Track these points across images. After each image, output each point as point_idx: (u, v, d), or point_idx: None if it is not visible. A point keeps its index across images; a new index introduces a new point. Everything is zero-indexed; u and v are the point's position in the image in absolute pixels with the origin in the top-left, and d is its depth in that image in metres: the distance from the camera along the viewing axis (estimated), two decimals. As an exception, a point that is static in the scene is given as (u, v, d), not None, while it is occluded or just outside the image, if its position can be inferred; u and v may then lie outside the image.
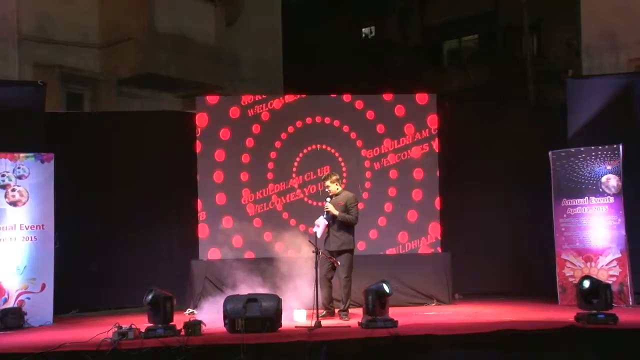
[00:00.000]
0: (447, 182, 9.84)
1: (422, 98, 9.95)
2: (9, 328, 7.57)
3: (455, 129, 10.05)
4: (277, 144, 9.73)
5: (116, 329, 6.33)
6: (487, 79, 19.81)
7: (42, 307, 8.13)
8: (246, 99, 9.86)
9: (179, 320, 6.84)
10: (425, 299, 9.39)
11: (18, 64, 13.58)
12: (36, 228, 8.25)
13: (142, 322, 6.66)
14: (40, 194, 8.30)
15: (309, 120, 9.79)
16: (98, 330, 6.44)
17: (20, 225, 8.20)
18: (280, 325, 6.96)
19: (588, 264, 8.91)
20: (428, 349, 6.16)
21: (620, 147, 8.84)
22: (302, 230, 9.09)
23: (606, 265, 8.81)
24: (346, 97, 9.92)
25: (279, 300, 7.03)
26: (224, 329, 6.84)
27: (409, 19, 22.29)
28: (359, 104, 9.86)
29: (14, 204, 8.21)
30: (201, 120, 9.70)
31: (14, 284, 8.09)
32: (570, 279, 8.92)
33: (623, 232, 8.78)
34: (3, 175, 8.18)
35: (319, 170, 9.60)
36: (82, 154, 9.52)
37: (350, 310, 8.12)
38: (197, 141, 9.64)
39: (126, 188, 9.74)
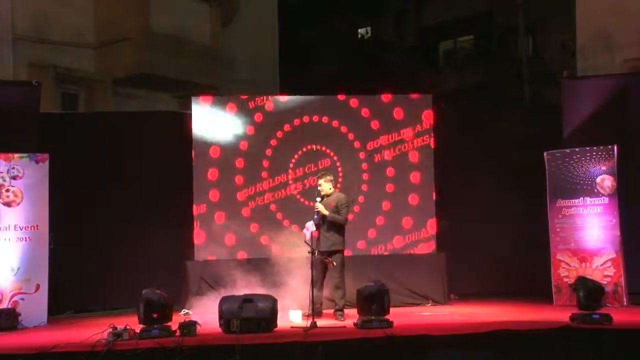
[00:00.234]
0: (443, 183, 9.85)
1: (417, 98, 9.97)
2: (2, 329, 7.54)
3: (450, 129, 10.06)
4: (273, 143, 9.73)
5: (111, 329, 6.31)
6: (483, 80, 19.84)
7: (36, 308, 8.10)
8: (242, 99, 9.86)
9: (174, 320, 6.83)
10: (420, 299, 9.40)
11: (13, 63, 13.55)
12: (30, 229, 8.23)
13: (137, 323, 6.64)
14: (34, 194, 8.28)
15: (305, 119, 9.78)
16: (92, 331, 6.41)
17: (15, 225, 8.17)
18: (276, 326, 6.95)
19: (583, 264, 8.93)
20: (423, 349, 6.15)
21: (615, 147, 8.86)
22: (296, 231, 9.07)
23: (601, 265, 8.83)
24: (341, 97, 9.92)
25: (274, 301, 7.02)
26: (220, 330, 6.83)
27: (405, 19, 22.31)
28: (354, 104, 9.87)
29: (8, 204, 8.19)
30: (197, 120, 9.69)
31: (7, 284, 8.06)
32: (566, 279, 8.93)
33: (618, 232, 8.80)
34: (-3, 176, 8.16)
35: (315, 170, 9.59)
36: (76, 155, 9.50)
37: (345, 311, 8.12)
38: (193, 141, 9.63)
39: (121, 189, 9.72)
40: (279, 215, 9.59)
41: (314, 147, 9.72)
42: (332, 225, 8.08)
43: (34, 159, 8.33)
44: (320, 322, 7.31)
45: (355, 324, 7.01)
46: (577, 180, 9.08)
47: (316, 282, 8.05)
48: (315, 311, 7.92)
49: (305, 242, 7.91)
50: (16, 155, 8.26)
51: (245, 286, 8.09)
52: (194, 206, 9.54)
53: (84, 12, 14.94)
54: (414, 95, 9.97)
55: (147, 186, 9.76)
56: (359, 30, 23.46)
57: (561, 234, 9.13)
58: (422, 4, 21.97)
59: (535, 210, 9.42)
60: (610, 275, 8.72)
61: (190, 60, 15.92)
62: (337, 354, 6.09)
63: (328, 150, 9.74)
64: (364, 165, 9.76)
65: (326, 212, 8.03)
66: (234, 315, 6.70)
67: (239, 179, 9.64)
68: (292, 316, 7.83)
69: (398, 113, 9.86)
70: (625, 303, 8.64)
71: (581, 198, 9.05)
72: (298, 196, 9.64)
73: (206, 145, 9.64)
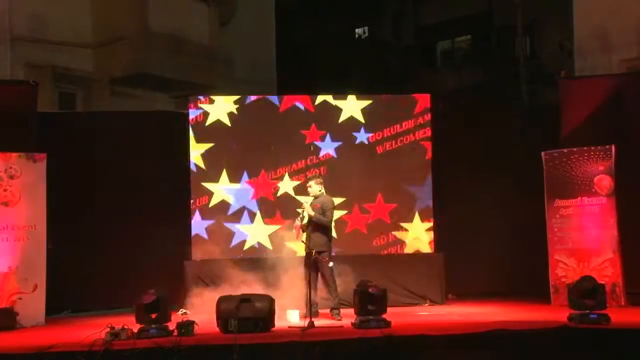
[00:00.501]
0: (440, 183, 9.86)
1: (415, 98, 9.97)
2: (0, 328, 7.52)
3: (448, 129, 10.08)
4: (271, 143, 9.73)
5: (109, 329, 6.31)
6: (481, 80, 19.85)
7: (34, 307, 8.09)
8: (239, 98, 9.85)
9: (171, 320, 6.82)
10: (418, 299, 9.41)
11: (10, 63, 13.52)
12: (28, 228, 8.21)
13: (134, 323, 6.63)
14: (32, 193, 8.27)
15: (303, 118, 9.78)
16: (90, 331, 6.40)
17: (12, 225, 8.16)
18: (273, 326, 6.96)
19: (581, 264, 8.93)
20: (421, 349, 6.16)
21: (613, 147, 8.87)
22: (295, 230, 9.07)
23: (599, 265, 8.83)
24: (340, 97, 9.92)
25: (272, 301, 7.03)
26: (217, 330, 6.83)
27: (403, 19, 22.31)
28: (352, 103, 9.86)
29: (5, 203, 8.17)
30: (194, 120, 9.68)
31: (5, 284, 8.05)
32: (563, 279, 8.93)
33: (615, 232, 8.81)
34: (-5, 175, 8.15)
35: (313, 169, 9.62)
36: (74, 154, 9.48)
37: (343, 311, 8.12)
38: (191, 141, 9.63)
39: (119, 188, 9.71)
40: (278, 213, 9.58)
41: (311, 148, 9.73)
42: (318, 227, 8.15)
43: (31, 159, 8.32)
44: (318, 322, 7.31)
45: (353, 324, 7.01)
46: (575, 180, 9.09)
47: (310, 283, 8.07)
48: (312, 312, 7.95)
49: (302, 241, 7.95)
50: (14, 154, 8.25)
51: (243, 286, 8.09)
52: (192, 205, 9.53)
53: (82, 12, 14.90)
54: (413, 100, 9.94)
55: (145, 186, 9.74)
56: (357, 30, 23.47)
57: (559, 234, 9.14)
58: (420, 3, 21.97)
59: (533, 210, 9.43)
60: (608, 275, 8.71)
61: (188, 60, 15.91)
62: (335, 354, 6.10)
63: (327, 150, 9.75)
64: (363, 165, 9.76)
65: (312, 213, 8.10)
66: (231, 315, 6.70)
67: (237, 178, 9.63)
68: (289, 316, 7.83)
69: (396, 113, 9.86)
70: (623, 303, 8.64)
71: (579, 198, 9.06)
72: (295, 194, 9.62)
73: (204, 144, 9.63)
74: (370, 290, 7.11)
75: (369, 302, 7.04)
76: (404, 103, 9.93)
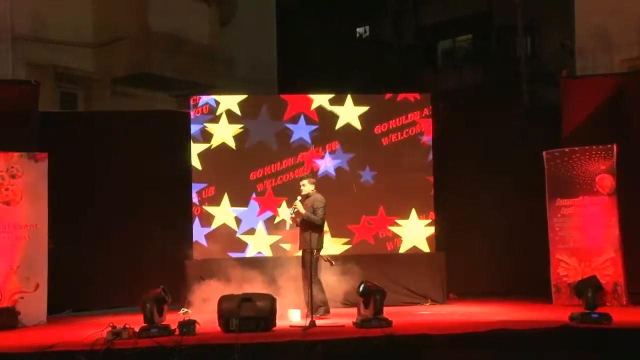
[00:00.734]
0: (441, 182, 9.86)
1: (416, 97, 9.97)
2: (2, 328, 7.53)
3: (449, 128, 10.08)
4: (271, 142, 9.72)
5: (110, 328, 6.31)
6: (481, 79, 19.85)
7: (35, 306, 8.09)
8: (240, 98, 9.86)
9: (173, 319, 6.83)
10: (419, 299, 9.41)
11: (11, 63, 13.54)
12: (30, 227, 8.21)
13: (136, 322, 6.64)
14: (33, 193, 8.26)
15: (303, 118, 9.78)
16: (92, 330, 6.40)
17: (14, 224, 8.15)
18: (275, 325, 6.96)
19: (582, 263, 8.92)
20: (422, 349, 6.15)
21: (615, 147, 8.86)
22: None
23: (600, 265, 8.82)
24: (340, 96, 9.92)
25: (273, 300, 7.03)
26: (219, 329, 6.83)
27: (403, 19, 22.32)
28: (352, 103, 9.87)
29: (7, 203, 8.17)
30: (195, 119, 9.68)
31: (7, 283, 8.05)
32: (565, 279, 8.93)
33: (617, 231, 8.80)
34: (-4, 175, 8.15)
35: (314, 168, 9.67)
36: (75, 153, 9.49)
37: (344, 310, 8.12)
38: (192, 140, 9.63)
39: (120, 188, 9.71)
40: (278, 214, 9.58)
41: (312, 147, 9.74)
42: (309, 225, 8.16)
43: (33, 158, 8.32)
44: (319, 321, 7.31)
45: (354, 323, 7.00)
46: (576, 179, 9.08)
47: (306, 279, 8.09)
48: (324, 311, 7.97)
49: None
50: (15, 154, 8.25)
51: (245, 285, 8.09)
52: (193, 205, 9.54)
53: (83, 12, 14.93)
54: (414, 99, 9.95)
55: (146, 185, 9.74)
56: (357, 29, 23.47)
57: (560, 234, 9.13)
58: (420, 3, 21.97)
59: (534, 210, 9.42)
60: (609, 275, 8.70)
61: (189, 59, 15.92)
62: (336, 353, 6.08)
63: (327, 150, 9.76)
64: (361, 162, 9.76)
65: (303, 211, 8.14)
66: (233, 314, 6.70)
67: (238, 178, 9.63)
68: (291, 315, 7.83)
69: (397, 113, 9.86)
70: (624, 302, 8.64)
71: (580, 197, 9.05)
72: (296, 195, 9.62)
73: (205, 144, 9.64)
74: (371, 289, 7.10)
75: (370, 301, 7.04)
76: (405, 102, 9.91)
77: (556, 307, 8.60)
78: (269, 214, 9.54)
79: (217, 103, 9.75)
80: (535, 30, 19.59)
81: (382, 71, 19.95)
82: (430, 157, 9.79)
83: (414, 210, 9.68)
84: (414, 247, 9.71)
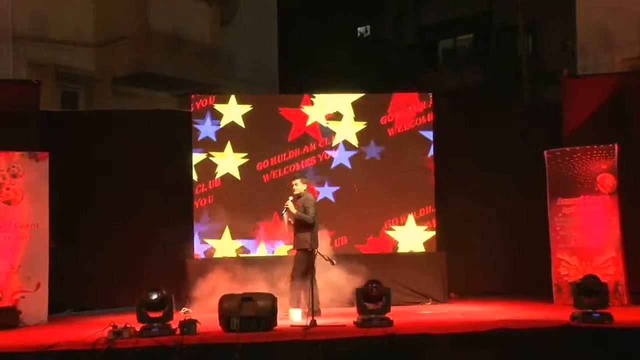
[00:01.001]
0: (442, 182, 9.86)
1: (417, 97, 9.97)
2: (3, 327, 7.53)
3: (450, 128, 10.08)
4: (271, 142, 9.74)
5: (111, 327, 6.32)
6: (482, 79, 19.84)
7: (36, 306, 8.10)
8: (241, 97, 9.86)
9: (174, 319, 6.82)
10: (420, 298, 9.41)
11: (12, 62, 13.54)
12: (31, 227, 8.22)
13: (137, 322, 6.63)
14: (34, 192, 8.27)
15: (304, 117, 9.79)
16: (93, 329, 6.41)
17: (15, 224, 8.16)
18: (276, 324, 6.96)
19: (583, 263, 8.91)
20: (423, 348, 6.14)
21: (616, 146, 8.86)
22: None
23: (601, 264, 8.81)
24: (340, 96, 9.92)
25: (274, 299, 7.03)
26: (219, 328, 6.83)
27: (404, 18, 22.31)
28: (353, 102, 9.86)
29: (8, 202, 8.17)
30: (196, 119, 9.69)
31: (8, 283, 8.06)
32: (566, 278, 8.92)
33: (618, 231, 8.80)
34: (-3, 174, 8.15)
35: (314, 168, 9.67)
36: (76, 153, 9.50)
37: (345, 310, 8.12)
38: (192, 140, 9.64)
39: (121, 187, 9.71)
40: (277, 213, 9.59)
41: (314, 145, 9.75)
42: (301, 225, 8.18)
43: (34, 157, 8.32)
44: (320, 321, 7.31)
45: (355, 323, 7.00)
46: (577, 178, 9.07)
47: (295, 279, 8.09)
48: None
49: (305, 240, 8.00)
50: (16, 153, 8.25)
51: (246, 284, 8.09)
52: (194, 204, 9.54)
53: (84, 11, 14.93)
54: (415, 99, 9.96)
55: (147, 184, 9.75)
56: (358, 29, 23.46)
57: (561, 233, 9.12)
58: (420, 3, 21.96)
59: (535, 209, 9.42)
60: (610, 274, 8.69)
61: (190, 59, 15.92)
62: (337, 353, 6.08)
63: (328, 148, 9.76)
64: (361, 161, 9.77)
65: (294, 210, 8.15)
66: (233, 314, 6.70)
67: (239, 177, 9.63)
68: (292, 315, 7.83)
69: (398, 112, 9.86)
70: (626, 302, 8.63)
71: (582, 197, 9.04)
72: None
73: (206, 144, 9.64)
74: (372, 289, 7.10)
75: (371, 300, 7.04)
76: (405, 102, 9.92)
77: (557, 307, 8.60)
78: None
79: (218, 101, 9.76)
80: (536, 29, 19.58)
81: (383, 71, 19.94)
82: (431, 155, 9.79)
83: (411, 217, 9.68)
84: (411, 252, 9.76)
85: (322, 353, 6.00)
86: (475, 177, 10.09)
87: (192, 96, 9.98)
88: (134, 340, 6.16)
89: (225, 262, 8.98)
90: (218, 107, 9.74)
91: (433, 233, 9.73)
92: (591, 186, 8.99)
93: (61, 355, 5.88)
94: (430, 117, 9.87)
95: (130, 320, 6.50)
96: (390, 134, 9.85)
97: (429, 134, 9.84)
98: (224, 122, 9.70)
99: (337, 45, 20.69)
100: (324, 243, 8.55)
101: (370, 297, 7.06)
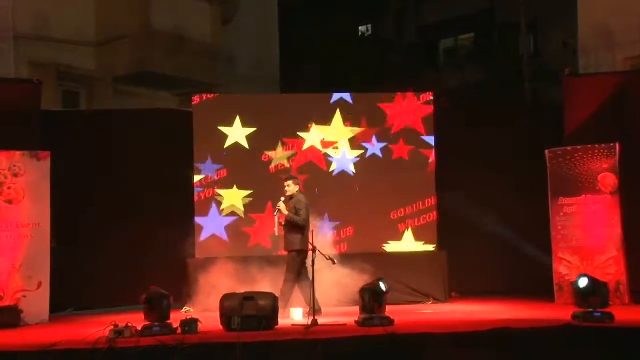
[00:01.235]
0: (444, 181, 9.86)
1: (418, 96, 9.97)
2: (4, 326, 7.53)
3: (451, 127, 10.08)
4: (271, 142, 9.74)
5: (112, 327, 6.32)
6: (483, 78, 19.83)
7: (38, 305, 8.11)
8: (242, 97, 9.87)
9: (175, 318, 6.82)
10: (421, 297, 9.41)
11: (14, 62, 13.56)
12: (32, 226, 8.22)
13: (138, 321, 6.64)
14: (36, 192, 8.27)
15: (304, 117, 9.79)
16: (94, 329, 6.40)
17: (17, 223, 8.17)
18: (277, 324, 6.95)
19: (585, 262, 8.91)
20: (424, 347, 6.14)
21: (617, 145, 8.85)
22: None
23: (603, 263, 8.81)
24: (341, 95, 9.92)
25: (275, 299, 7.02)
26: (221, 327, 6.83)
27: (405, 17, 22.30)
28: (354, 102, 9.87)
29: (9, 201, 8.18)
30: (197, 118, 9.69)
31: (10, 282, 8.06)
32: (567, 277, 8.91)
33: (619, 230, 8.79)
34: (-1, 173, 8.16)
35: (314, 168, 9.68)
36: (78, 152, 9.50)
37: (346, 309, 8.12)
38: (194, 139, 9.64)
39: (122, 186, 9.72)
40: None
41: (314, 145, 9.75)
42: (293, 226, 8.21)
43: (35, 157, 8.32)
44: (322, 320, 7.31)
45: (356, 322, 7.00)
46: (579, 178, 9.06)
47: (288, 280, 8.12)
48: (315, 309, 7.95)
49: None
50: (18, 153, 8.26)
51: (247, 284, 8.09)
52: (195, 204, 9.54)
53: (85, 10, 14.96)
54: (416, 98, 9.96)
55: (148, 184, 9.75)
56: (360, 28, 23.46)
57: (563, 232, 9.12)
58: (422, 2, 21.95)
59: (536, 208, 9.41)
60: (612, 274, 8.69)
61: (191, 58, 15.94)
62: (338, 352, 6.08)
63: (328, 149, 9.77)
64: (361, 161, 9.77)
65: (286, 212, 8.18)
66: (235, 313, 6.70)
67: (240, 177, 9.64)
68: (293, 314, 7.83)
69: (399, 111, 9.86)
70: (627, 301, 8.63)
71: (583, 196, 9.04)
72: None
73: (207, 143, 9.64)
74: (373, 289, 7.10)
75: (373, 300, 7.04)
76: (407, 101, 9.92)
77: (558, 306, 8.60)
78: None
79: (219, 101, 9.76)
80: (537, 28, 19.57)
81: (384, 70, 19.93)
82: (433, 154, 9.79)
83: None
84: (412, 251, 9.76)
85: (323, 352, 6.00)
86: (477, 176, 10.08)
87: (193, 95, 9.98)
88: (135, 340, 6.15)
89: (226, 261, 8.98)
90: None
91: (434, 233, 9.72)
92: (592, 185, 8.98)
93: (62, 354, 5.88)
94: (431, 117, 9.86)
95: (131, 320, 6.50)
96: (390, 134, 9.84)
97: (429, 134, 9.82)
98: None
99: (338, 45, 20.69)
100: (326, 241, 8.55)
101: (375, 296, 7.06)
